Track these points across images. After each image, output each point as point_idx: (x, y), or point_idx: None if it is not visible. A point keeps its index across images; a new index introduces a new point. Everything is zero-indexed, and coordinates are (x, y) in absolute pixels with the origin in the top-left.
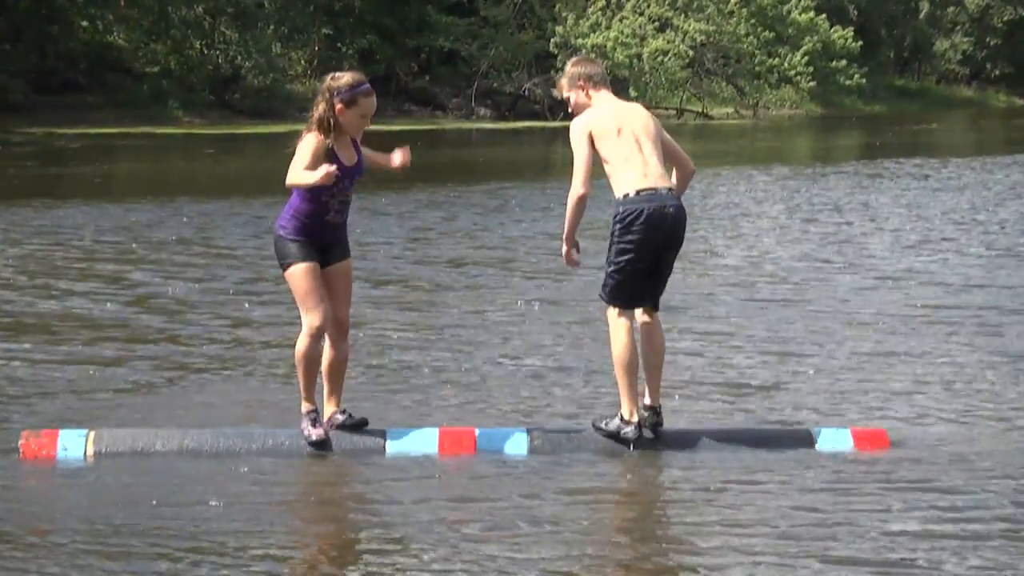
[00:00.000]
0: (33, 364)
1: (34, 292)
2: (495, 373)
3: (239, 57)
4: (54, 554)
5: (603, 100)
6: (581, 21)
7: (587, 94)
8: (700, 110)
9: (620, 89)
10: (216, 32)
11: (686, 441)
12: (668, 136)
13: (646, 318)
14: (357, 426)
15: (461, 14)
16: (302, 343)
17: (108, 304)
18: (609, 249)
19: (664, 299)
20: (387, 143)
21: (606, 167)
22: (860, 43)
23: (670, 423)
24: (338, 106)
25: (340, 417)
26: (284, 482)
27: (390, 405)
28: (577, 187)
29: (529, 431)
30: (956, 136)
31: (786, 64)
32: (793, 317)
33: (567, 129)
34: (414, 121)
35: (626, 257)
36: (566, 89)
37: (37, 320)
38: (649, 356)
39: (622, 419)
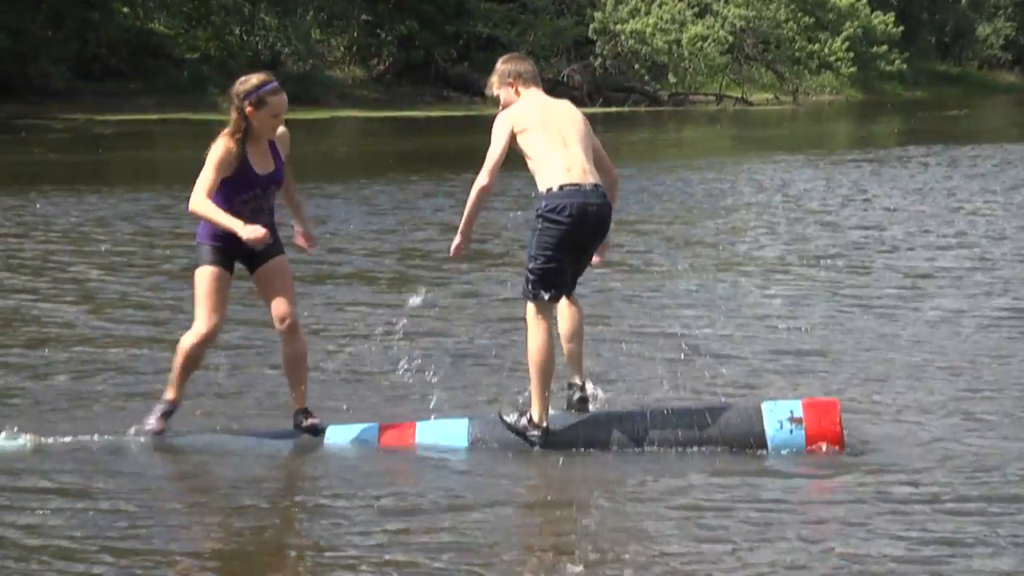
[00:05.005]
0: None
1: None
2: (444, 366)
3: (279, 43)
4: None
5: (532, 96)
6: (620, 7)
7: (517, 91)
8: (739, 96)
9: (659, 75)
10: (256, 18)
11: (632, 421)
12: (596, 141)
13: (563, 299)
14: (314, 431)
15: (500, 0)
16: (185, 341)
17: (55, 303)
18: (530, 244)
19: (673, 286)
20: (426, 129)
21: (530, 163)
22: (901, 28)
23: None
24: (248, 109)
25: (303, 419)
26: (206, 482)
27: (333, 396)
28: (482, 178)
29: (470, 422)
30: (988, 122)
31: (826, 50)
32: (795, 311)
33: (605, 115)
34: (453, 107)
35: (548, 252)
36: (496, 86)
37: None
38: (570, 333)
39: (531, 422)
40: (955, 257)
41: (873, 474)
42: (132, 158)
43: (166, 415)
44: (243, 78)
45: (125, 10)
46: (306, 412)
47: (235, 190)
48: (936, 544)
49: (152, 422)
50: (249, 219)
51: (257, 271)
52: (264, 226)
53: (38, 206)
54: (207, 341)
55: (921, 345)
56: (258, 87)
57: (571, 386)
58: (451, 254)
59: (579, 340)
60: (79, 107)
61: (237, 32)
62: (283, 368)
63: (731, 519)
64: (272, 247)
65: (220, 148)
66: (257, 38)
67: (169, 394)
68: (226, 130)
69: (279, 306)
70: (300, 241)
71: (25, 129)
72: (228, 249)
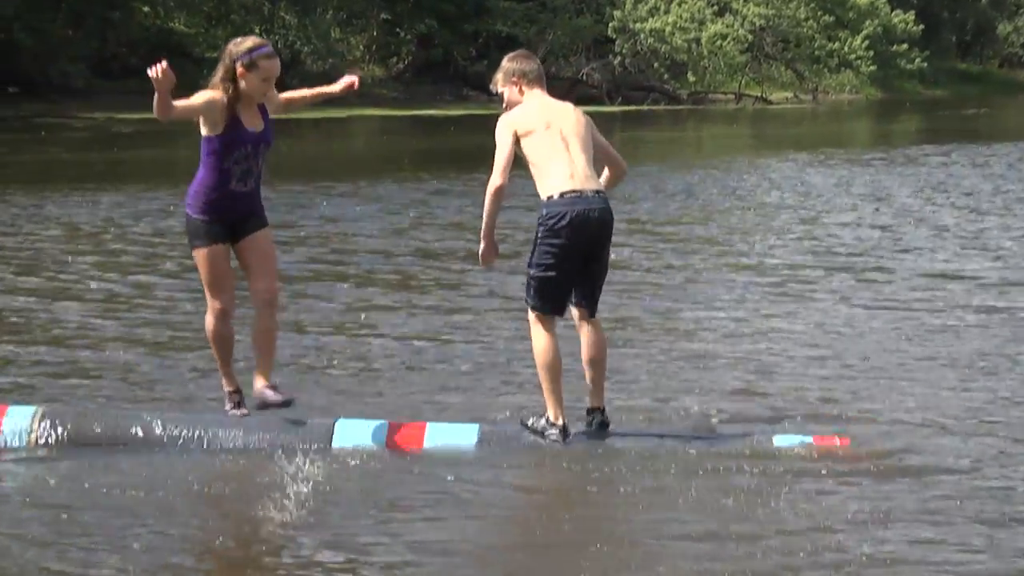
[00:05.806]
0: None
1: None
2: (452, 367)
3: (298, 42)
4: None
5: (535, 98)
6: (639, 5)
7: (520, 91)
8: (759, 95)
9: (679, 74)
10: (275, 17)
11: (632, 440)
12: (601, 136)
13: (584, 323)
14: (284, 404)
15: None
16: (207, 322)
17: (60, 302)
18: (532, 251)
19: (679, 287)
20: (445, 127)
21: (532, 168)
22: (921, 27)
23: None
24: (239, 70)
25: (268, 394)
26: (202, 485)
27: (340, 396)
28: (495, 178)
29: (480, 426)
30: (1008, 121)
31: (846, 48)
32: (809, 312)
33: (624, 114)
34: (472, 106)
35: (549, 261)
36: (501, 84)
37: None
38: (590, 360)
39: (548, 421)
40: (972, 257)
41: (892, 479)
42: (149, 157)
43: (236, 403)
44: (238, 39)
45: (145, 9)
46: (273, 387)
47: (227, 149)
48: (957, 550)
49: (231, 410)
50: (238, 181)
51: (240, 243)
52: (250, 193)
53: (49, 206)
54: (224, 316)
55: (937, 347)
56: (251, 50)
57: (590, 411)
58: (481, 263)
59: (601, 367)
60: (98, 106)
61: (257, 31)
62: (252, 342)
63: (744, 523)
64: (256, 220)
65: (207, 92)
66: (277, 37)
67: (225, 386)
68: (210, 85)
69: (260, 279)
70: (346, 79)
71: (44, 128)
72: (217, 220)
